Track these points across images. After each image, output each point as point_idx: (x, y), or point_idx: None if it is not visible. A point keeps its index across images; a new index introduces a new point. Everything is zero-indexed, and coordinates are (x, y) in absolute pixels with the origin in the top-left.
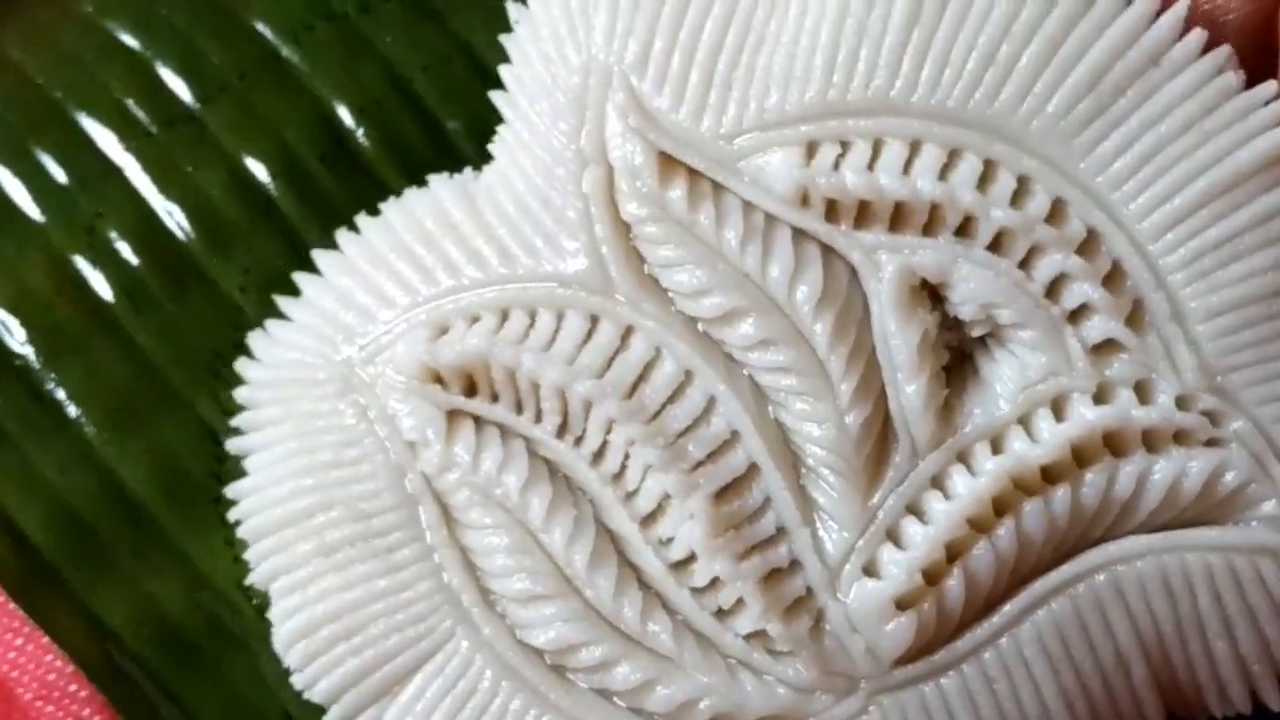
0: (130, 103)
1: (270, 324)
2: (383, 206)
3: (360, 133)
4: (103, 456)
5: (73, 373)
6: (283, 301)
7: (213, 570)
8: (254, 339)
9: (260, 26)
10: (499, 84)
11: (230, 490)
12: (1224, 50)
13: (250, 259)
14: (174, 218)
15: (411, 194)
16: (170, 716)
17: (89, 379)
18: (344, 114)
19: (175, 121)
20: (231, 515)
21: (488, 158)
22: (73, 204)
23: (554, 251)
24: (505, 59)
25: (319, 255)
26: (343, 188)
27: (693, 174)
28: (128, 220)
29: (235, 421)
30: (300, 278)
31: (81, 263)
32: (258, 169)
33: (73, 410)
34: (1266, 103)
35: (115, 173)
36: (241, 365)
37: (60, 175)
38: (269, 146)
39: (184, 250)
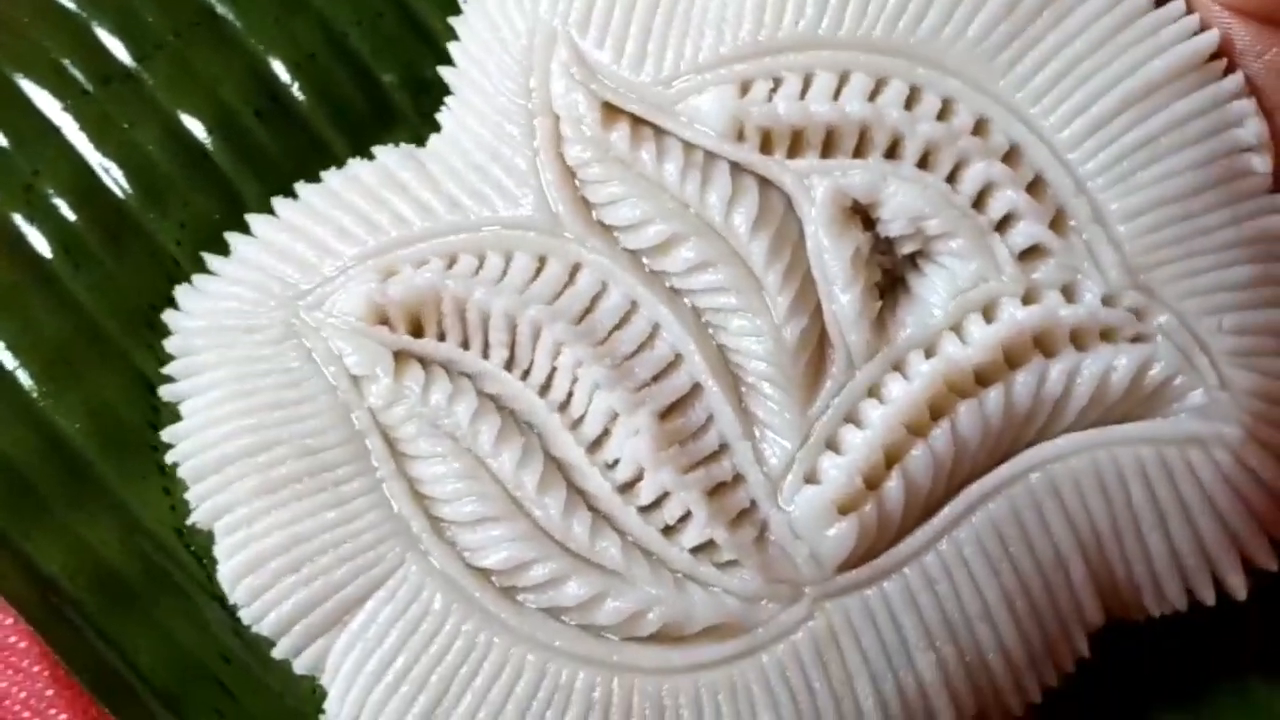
0: (67, 62)
1: (198, 278)
2: (325, 175)
3: (295, 87)
4: (40, 408)
5: (10, 327)
6: (212, 260)
7: (149, 517)
8: (181, 293)
9: None
10: (432, 37)
11: (166, 434)
12: None
13: (186, 214)
14: (111, 174)
15: (355, 163)
16: (109, 660)
17: (26, 333)
18: (279, 69)
19: (112, 80)
20: (169, 457)
21: (422, 111)
22: (10, 162)
23: (502, 198)
24: (437, 12)
25: (253, 219)
26: (279, 142)
27: (635, 121)
28: (65, 178)
29: (167, 369)
30: (233, 237)
31: (19, 220)
32: (194, 125)
33: (10, 363)
34: (1175, 20)
35: (53, 131)
36: (169, 317)
37: None
38: (205, 103)
39: (121, 206)
